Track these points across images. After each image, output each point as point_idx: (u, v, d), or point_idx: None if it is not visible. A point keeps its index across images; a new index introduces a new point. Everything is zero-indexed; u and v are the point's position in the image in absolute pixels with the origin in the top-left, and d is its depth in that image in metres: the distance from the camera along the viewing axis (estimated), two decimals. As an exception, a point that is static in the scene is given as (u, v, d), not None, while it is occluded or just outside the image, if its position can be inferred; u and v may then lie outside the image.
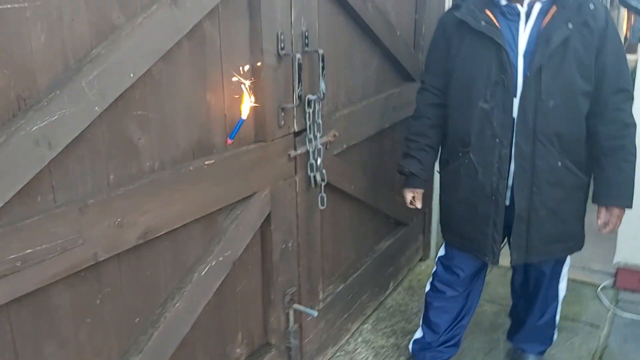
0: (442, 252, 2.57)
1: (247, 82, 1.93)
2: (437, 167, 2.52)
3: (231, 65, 1.88)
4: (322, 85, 2.16)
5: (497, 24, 2.11)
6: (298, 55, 2.00)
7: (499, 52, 2.08)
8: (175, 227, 1.73)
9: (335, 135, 2.42)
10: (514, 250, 2.27)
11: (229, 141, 1.92)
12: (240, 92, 1.93)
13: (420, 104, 2.41)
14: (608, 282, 3.36)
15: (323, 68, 2.14)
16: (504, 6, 2.12)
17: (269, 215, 2.12)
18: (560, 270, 2.48)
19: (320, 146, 2.26)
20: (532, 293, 2.52)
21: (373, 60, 2.74)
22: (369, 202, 2.85)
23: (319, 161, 2.27)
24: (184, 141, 1.77)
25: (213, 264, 1.89)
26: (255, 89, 1.98)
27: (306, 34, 2.12)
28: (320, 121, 2.23)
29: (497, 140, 2.13)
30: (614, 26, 2.11)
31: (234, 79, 1.90)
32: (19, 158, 1.30)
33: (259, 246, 2.17)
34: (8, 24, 1.27)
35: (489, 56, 2.10)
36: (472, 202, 2.27)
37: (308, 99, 2.17)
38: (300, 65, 2.01)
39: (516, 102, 2.10)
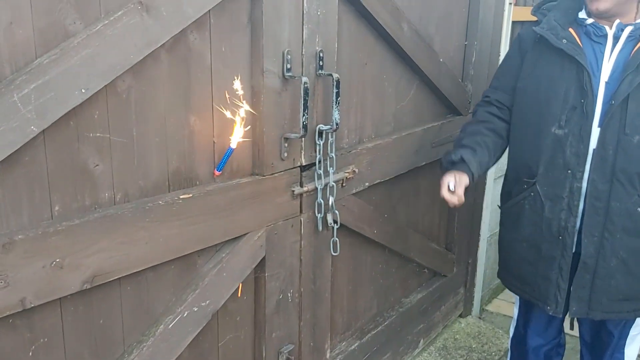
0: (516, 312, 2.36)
1: (242, 107, 1.68)
2: (498, 202, 2.24)
3: (224, 86, 1.63)
4: (336, 115, 1.87)
5: (580, 43, 1.90)
6: (305, 79, 1.73)
7: (580, 73, 1.87)
8: (134, 271, 1.47)
9: (354, 172, 2.12)
10: (574, 302, 2.00)
11: (217, 173, 1.66)
12: (235, 118, 1.67)
13: (480, 112, 2.19)
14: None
15: (337, 95, 1.85)
16: (590, 25, 1.91)
17: (262, 260, 1.83)
18: (628, 332, 2.15)
19: (333, 184, 1.96)
20: (597, 352, 2.21)
21: (409, 89, 2.43)
22: (396, 249, 2.51)
23: (331, 201, 1.97)
24: (157, 171, 1.52)
25: (185, 315, 1.62)
26: (253, 115, 1.72)
27: (320, 54, 1.85)
28: (333, 155, 1.94)
29: (569, 171, 1.91)
30: None
31: (227, 102, 1.65)
32: None
33: (252, 295, 1.88)
34: None
35: (568, 77, 1.90)
36: (536, 242, 2.02)
37: (319, 129, 1.89)
38: (306, 90, 1.73)
39: (595, 132, 1.87)
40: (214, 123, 1.64)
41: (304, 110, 1.75)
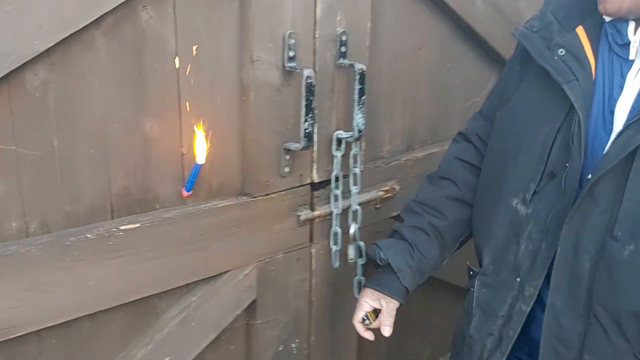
0: None
1: (223, 107, 1.26)
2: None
3: (197, 79, 1.22)
4: (359, 119, 1.40)
5: (591, 56, 1.07)
6: (307, 72, 1.27)
7: (570, 114, 1.06)
8: (50, 324, 1.13)
9: (393, 189, 1.64)
10: None
11: (185, 193, 1.27)
12: (210, 121, 1.26)
13: (447, 156, 1.37)
14: None
15: (361, 92, 1.38)
16: (608, 25, 1.06)
17: (252, 304, 1.43)
18: None
19: (356, 207, 1.50)
20: None
21: (485, 80, 1.87)
22: (455, 282, 1.99)
23: (352, 229, 1.51)
24: (92, 192, 1.16)
25: (133, 376, 1.26)
26: (241, 118, 1.30)
27: (343, 38, 1.38)
28: (358, 170, 1.47)
29: (518, 279, 1.15)
30: None
31: (201, 101, 1.24)
32: None
33: (242, 345, 1.48)
34: None
35: (554, 119, 1.09)
36: (458, 356, 1.30)
37: (337, 137, 1.43)
38: (310, 87, 1.28)
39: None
40: (182, 128, 1.24)
41: (307, 114, 1.30)
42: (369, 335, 1.34)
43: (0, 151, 1.03)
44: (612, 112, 1.04)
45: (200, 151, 1.21)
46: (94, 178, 1.15)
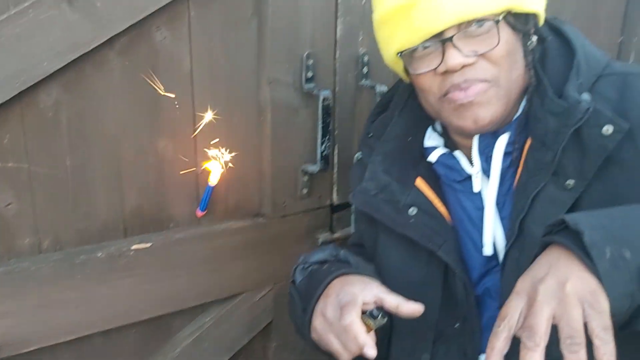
0: None
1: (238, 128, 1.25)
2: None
3: (212, 100, 1.22)
4: (380, 140, 1.36)
5: (441, 207, 0.98)
6: (324, 94, 1.24)
7: (448, 274, 0.98)
8: (60, 341, 1.14)
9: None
10: None
11: (200, 213, 1.27)
12: (225, 141, 1.25)
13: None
14: None
15: (382, 113, 1.34)
16: (438, 166, 0.99)
17: (268, 327, 1.40)
18: None
19: (380, 230, 1.45)
20: None
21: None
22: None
23: (376, 253, 1.46)
24: (105, 210, 1.17)
25: (142, 396, 1.26)
26: (258, 139, 1.29)
27: (364, 58, 1.35)
28: (380, 193, 1.43)
29: None
30: None
31: (210, 120, 1.24)
32: None
33: (258, 366, 1.47)
34: None
35: (428, 282, 0.99)
36: None
37: (359, 159, 1.39)
38: (327, 109, 1.25)
39: None
40: (197, 148, 1.24)
41: (324, 136, 1.27)
42: (369, 343, 0.84)
43: (14, 169, 1.06)
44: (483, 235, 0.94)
45: (213, 172, 1.21)
46: (107, 197, 1.16)
